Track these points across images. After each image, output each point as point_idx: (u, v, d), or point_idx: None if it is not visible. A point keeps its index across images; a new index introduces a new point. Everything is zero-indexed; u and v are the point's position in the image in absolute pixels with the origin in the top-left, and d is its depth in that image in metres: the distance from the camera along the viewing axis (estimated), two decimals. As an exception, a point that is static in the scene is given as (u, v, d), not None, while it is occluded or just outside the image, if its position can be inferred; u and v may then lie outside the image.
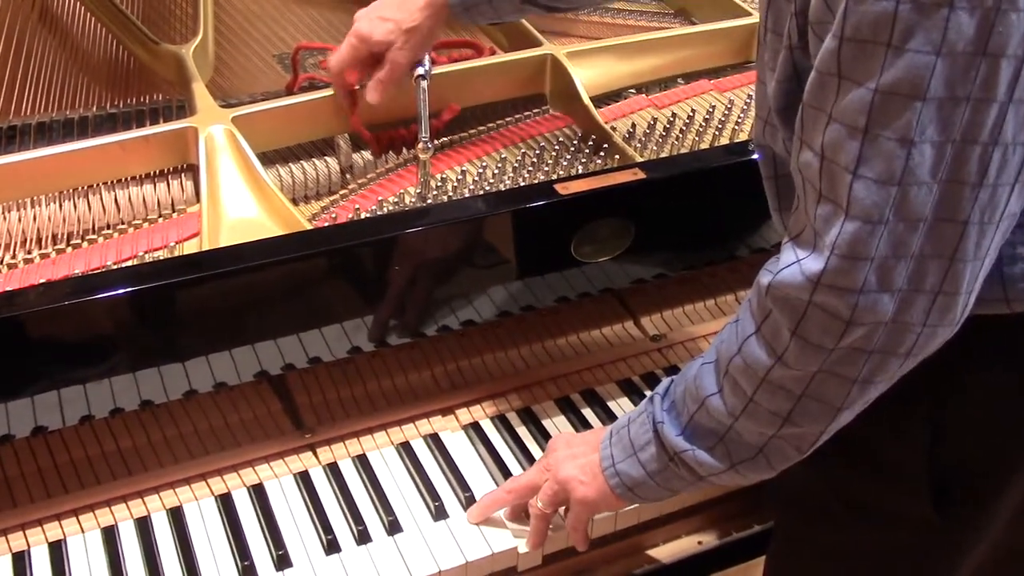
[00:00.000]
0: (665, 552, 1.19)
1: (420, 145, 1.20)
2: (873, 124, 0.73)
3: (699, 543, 1.19)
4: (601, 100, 1.42)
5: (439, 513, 1.09)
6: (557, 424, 1.21)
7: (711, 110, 1.42)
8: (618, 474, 0.97)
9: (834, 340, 0.80)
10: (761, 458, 0.90)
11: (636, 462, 0.96)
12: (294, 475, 1.13)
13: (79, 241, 1.15)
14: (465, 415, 1.22)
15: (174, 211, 1.20)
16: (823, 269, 0.78)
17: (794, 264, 0.80)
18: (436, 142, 1.28)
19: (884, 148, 0.73)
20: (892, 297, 0.77)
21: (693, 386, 0.92)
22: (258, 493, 1.11)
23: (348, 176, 1.28)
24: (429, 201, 1.23)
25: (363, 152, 1.29)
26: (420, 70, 1.23)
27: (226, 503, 1.10)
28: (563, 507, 1.05)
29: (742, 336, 0.87)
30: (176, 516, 1.08)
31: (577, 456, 1.01)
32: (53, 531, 1.06)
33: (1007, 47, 0.70)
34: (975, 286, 0.79)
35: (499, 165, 1.29)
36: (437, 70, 1.29)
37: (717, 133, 1.38)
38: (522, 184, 1.26)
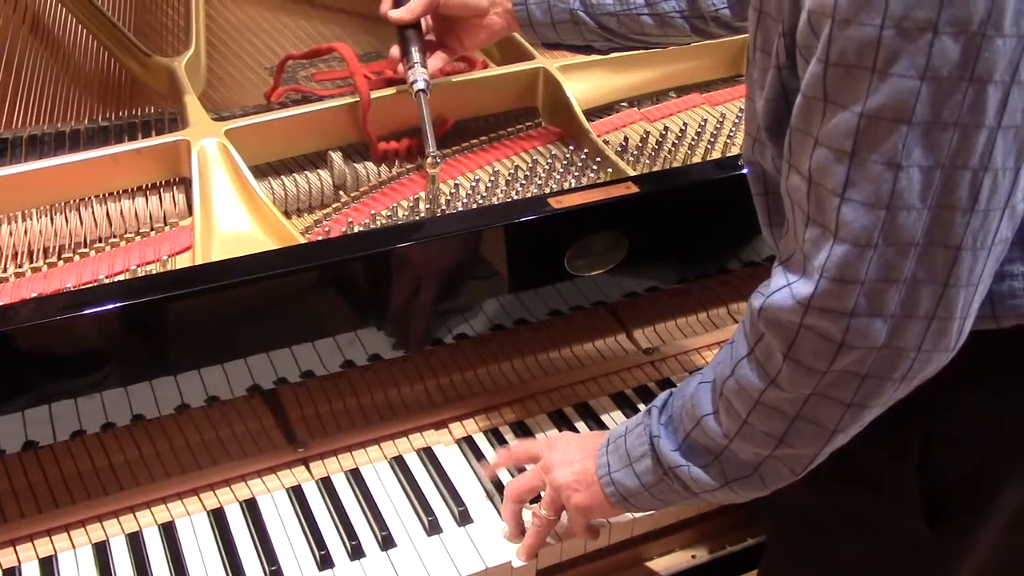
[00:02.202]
0: (659, 566, 1.19)
1: (428, 160, 1.20)
2: (860, 148, 0.73)
3: (692, 557, 1.19)
4: (593, 113, 1.43)
5: (432, 528, 1.09)
6: (550, 437, 1.21)
7: (703, 123, 1.42)
8: (613, 483, 0.98)
9: (826, 363, 0.80)
10: (756, 477, 0.90)
11: (631, 473, 0.96)
12: (287, 489, 1.13)
13: (71, 255, 1.15)
14: (458, 429, 1.21)
15: (166, 224, 1.20)
16: (813, 292, 0.78)
17: (784, 288, 0.81)
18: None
19: (871, 171, 0.74)
20: (885, 322, 0.77)
21: (690, 404, 0.92)
22: (251, 508, 1.10)
23: (341, 191, 1.28)
24: (423, 214, 1.23)
25: (356, 166, 1.29)
26: (420, 84, 1.24)
27: (218, 518, 1.09)
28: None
29: (736, 358, 0.87)
30: (168, 531, 1.07)
31: (573, 462, 1.02)
32: (44, 547, 1.05)
33: (994, 72, 0.70)
34: (970, 311, 0.79)
35: (492, 178, 1.29)
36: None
37: (709, 146, 1.38)
38: (515, 197, 1.26)
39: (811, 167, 0.77)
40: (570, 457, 1.03)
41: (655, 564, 1.19)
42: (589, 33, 1.23)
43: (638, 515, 1.10)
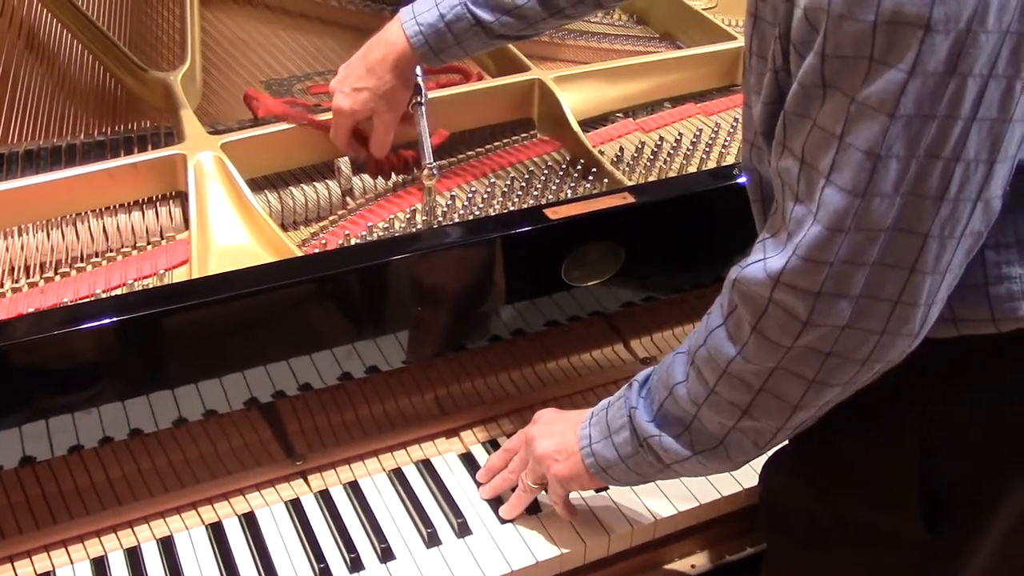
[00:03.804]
0: (658, 575, 1.18)
1: (425, 172, 1.20)
2: (846, 132, 0.76)
3: (692, 567, 1.18)
4: (589, 124, 1.43)
5: (432, 540, 1.09)
6: (549, 448, 1.20)
7: (698, 133, 1.42)
8: (593, 454, 1.00)
9: (791, 339, 0.82)
10: (721, 449, 0.93)
11: (610, 444, 0.99)
12: (285, 503, 1.13)
13: (67, 269, 1.15)
14: (457, 440, 1.21)
15: (163, 239, 1.20)
16: (783, 268, 0.81)
17: (759, 262, 0.83)
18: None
19: (853, 158, 0.76)
20: (850, 303, 0.80)
21: (665, 374, 0.95)
22: (249, 522, 1.10)
23: (337, 201, 1.28)
24: (420, 227, 1.23)
25: (363, 176, 1.30)
26: (418, 96, 1.24)
27: (217, 532, 1.09)
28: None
29: (710, 327, 0.90)
30: (166, 546, 1.07)
31: (554, 434, 1.05)
32: (42, 563, 1.05)
33: (974, 67, 0.72)
34: (935, 299, 0.81)
35: (488, 190, 1.29)
36: (425, 96, 1.30)
37: (704, 156, 1.38)
38: (511, 209, 1.26)
39: (805, 148, 0.79)
40: (552, 428, 1.05)
41: (654, 573, 1.18)
42: (493, 38, 1.24)
43: (622, 532, 1.11)
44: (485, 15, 1.19)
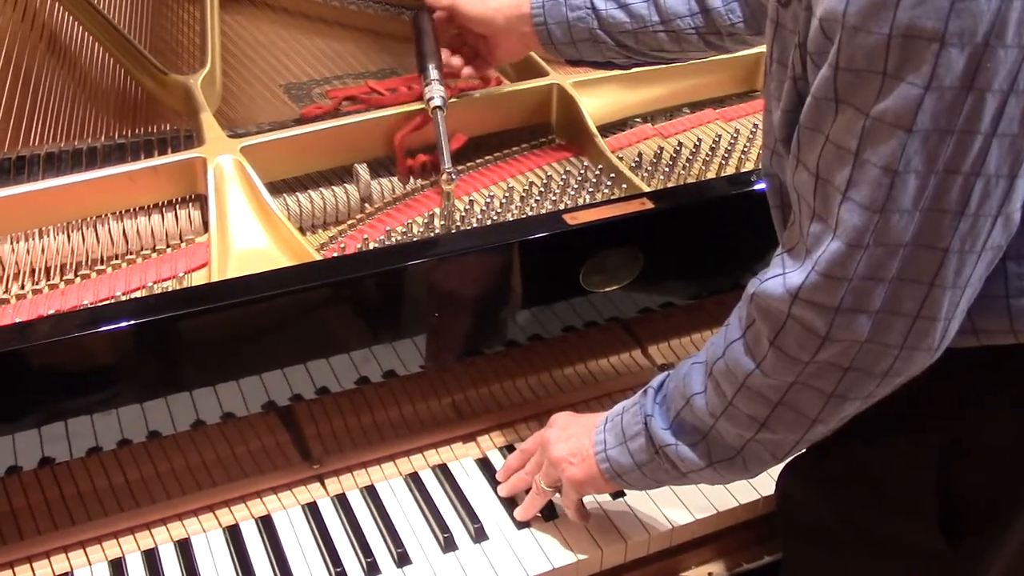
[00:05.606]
0: (675, 583, 1.18)
1: (444, 176, 1.20)
2: (862, 148, 0.75)
3: (709, 574, 1.18)
4: (607, 129, 1.43)
5: (448, 545, 1.09)
6: (565, 454, 1.20)
7: (717, 139, 1.42)
8: (608, 459, 1.00)
9: (810, 354, 0.82)
10: (739, 459, 0.93)
11: (626, 450, 0.99)
12: (302, 506, 1.13)
13: (88, 271, 1.15)
14: (473, 445, 1.21)
15: (182, 241, 1.20)
16: (802, 284, 0.81)
17: (779, 276, 0.83)
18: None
19: (870, 174, 0.75)
20: (869, 318, 0.79)
21: (682, 384, 0.95)
22: (266, 524, 1.11)
23: (356, 205, 1.28)
24: (439, 231, 1.23)
25: (380, 180, 1.30)
26: (437, 100, 1.24)
27: (234, 535, 1.09)
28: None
29: (728, 340, 0.90)
30: (184, 548, 1.08)
31: (570, 437, 1.05)
32: (60, 564, 1.05)
33: (993, 82, 0.71)
34: (955, 313, 0.81)
35: (507, 194, 1.29)
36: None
37: (723, 162, 1.38)
38: (530, 214, 1.26)
39: (819, 163, 0.79)
40: (568, 432, 1.06)
41: (671, 581, 1.18)
42: (608, 51, 1.25)
43: (639, 539, 1.11)
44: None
